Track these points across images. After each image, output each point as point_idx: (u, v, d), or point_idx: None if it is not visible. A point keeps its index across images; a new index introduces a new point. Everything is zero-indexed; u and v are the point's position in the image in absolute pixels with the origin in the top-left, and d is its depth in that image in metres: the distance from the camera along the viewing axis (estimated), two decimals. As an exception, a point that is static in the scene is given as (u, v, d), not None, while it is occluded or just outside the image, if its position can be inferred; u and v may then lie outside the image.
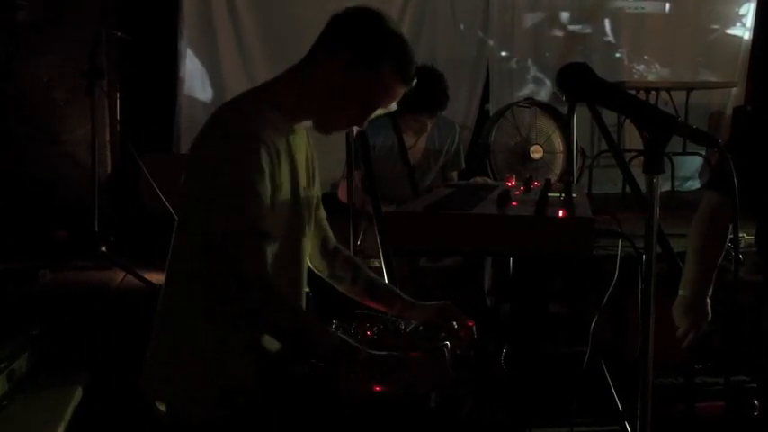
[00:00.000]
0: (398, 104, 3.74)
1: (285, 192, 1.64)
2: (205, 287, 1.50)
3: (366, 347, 1.55)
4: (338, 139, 3.12)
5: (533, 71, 5.80)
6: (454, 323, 1.82)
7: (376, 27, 1.63)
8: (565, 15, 5.80)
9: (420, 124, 3.61)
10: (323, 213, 1.96)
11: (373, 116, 1.72)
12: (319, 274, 1.98)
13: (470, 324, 1.85)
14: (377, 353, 1.53)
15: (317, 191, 1.88)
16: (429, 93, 3.49)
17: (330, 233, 1.98)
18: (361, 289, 1.94)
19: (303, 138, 1.76)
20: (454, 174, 3.82)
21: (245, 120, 1.57)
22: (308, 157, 1.81)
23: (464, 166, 3.88)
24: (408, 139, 3.68)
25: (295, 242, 1.73)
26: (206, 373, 1.62)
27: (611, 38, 5.87)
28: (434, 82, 3.51)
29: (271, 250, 1.55)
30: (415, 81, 1.68)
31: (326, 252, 1.97)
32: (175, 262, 1.66)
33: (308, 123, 1.74)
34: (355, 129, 1.84)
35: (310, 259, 1.95)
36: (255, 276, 1.49)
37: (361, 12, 1.66)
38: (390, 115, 3.74)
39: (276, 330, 1.57)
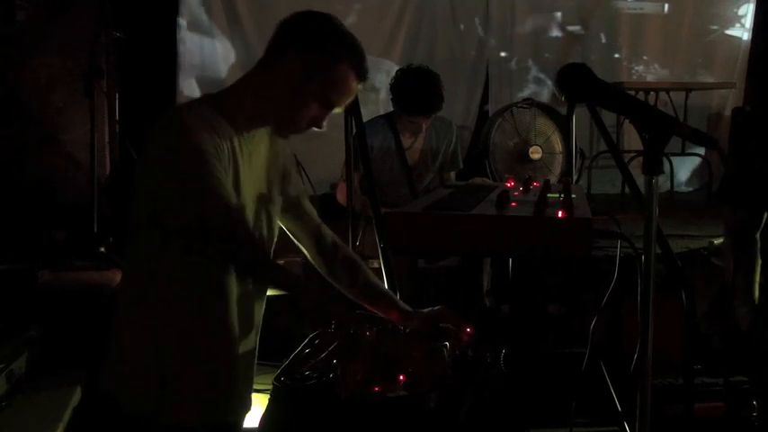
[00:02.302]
0: (394, 106, 3.77)
1: (240, 199, 1.65)
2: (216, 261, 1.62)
3: (357, 352, 1.57)
4: (337, 142, 3.13)
5: (533, 72, 5.80)
6: (450, 326, 1.82)
7: (326, 27, 1.67)
8: (564, 16, 5.81)
9: (416, 125, 3.61)
10: (311, 211, 1.95)
11: (333, 113, 1.73)
12: (320, 271, 1.97)
13: (469, 330, 1.85)
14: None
15: (295, 191, 1.89)
16: (424, 94, 3.50)
17: (325, 229, 1.96)
18: (359, 292, 1.92)
19: (263, 143, 1.76)
20: (452, 174, 3.82)
21: (187, 117, 1.60)
22: (274, 163, 1.81)
23: (462, 166, 3.88)
24: (405, 140, 3.68)
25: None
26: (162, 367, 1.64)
27: (610, 39, 5.87)
28: (429, 83, 3.52)
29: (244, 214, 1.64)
30: (367, 75, 1.70)
31: (323, 249, 1.94)
32: (138, 260, 1.70)
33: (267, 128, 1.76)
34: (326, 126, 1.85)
35: (309, 257, 1.95)
36: (245, 240, 1.59)
37: (309, 14, 1.70)
38: (387, 116, 3.75)
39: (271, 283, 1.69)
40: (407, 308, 1.89)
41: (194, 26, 5.20)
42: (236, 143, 1.65)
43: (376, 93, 5.12)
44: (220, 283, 1.65)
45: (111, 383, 1.70)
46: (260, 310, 1.79)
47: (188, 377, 1.65)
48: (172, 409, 1.64)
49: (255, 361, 1.81)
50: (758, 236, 2.31)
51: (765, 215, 2.27)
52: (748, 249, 2.28)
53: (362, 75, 1.68)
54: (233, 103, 1.67)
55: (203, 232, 1.56)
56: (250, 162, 1.70)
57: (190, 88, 5.20)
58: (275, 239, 1.85)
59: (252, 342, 1.76)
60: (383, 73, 5.01)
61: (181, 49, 5.14)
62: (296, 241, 1.95)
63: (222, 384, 1.70)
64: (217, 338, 1.68)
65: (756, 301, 2.34)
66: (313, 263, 1.96)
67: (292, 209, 1.90)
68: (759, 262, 2.33)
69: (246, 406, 1.79)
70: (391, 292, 1.98)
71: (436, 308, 1.87)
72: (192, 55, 5.22)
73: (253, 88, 1.68)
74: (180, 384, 1.64)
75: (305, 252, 1.96)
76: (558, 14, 5.80)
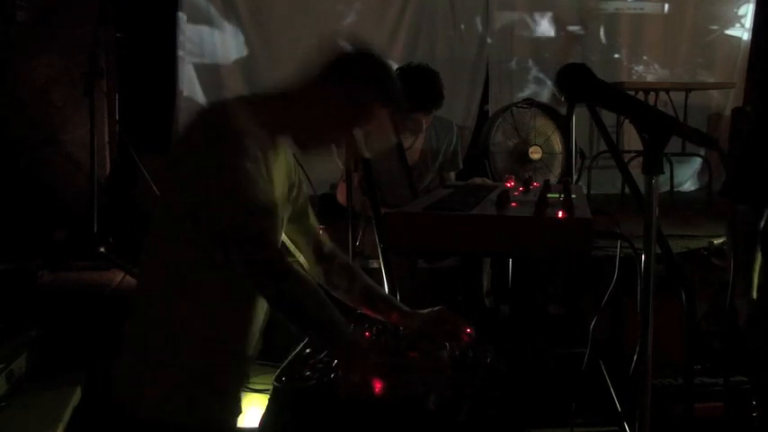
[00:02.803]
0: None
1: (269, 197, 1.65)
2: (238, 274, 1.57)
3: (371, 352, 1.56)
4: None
5: (533, 72, 5.80)
6: (450, 327, 1.82)
7: (374, 65, 1.76)
8: (564, 16, 5.80)
9: (416, 123, 3.61)
10: (313, 220, 1.98)
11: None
12: (317, 279, 1.98)
13: (469, 331, 1.86)
14: (382, 360, 1.54)
15: (302, 202, 1.92)
16: (424, 91, 3.50)
17: (324, 237, 1.99)
18: (357, 297, 1.94)
19: (283, 155, 1.78)
20: (452, 174, 3.81)
21: (236, 122, 1.60)
22: (288, 175, 1.84)
23: (462, 166, 3.87)
24: (405, 140, 3.68)
25: None
26: (184, 375, 1.63)
27: (610, 39, 5.87)
28: (429, 80, 3.52)
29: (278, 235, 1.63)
30: (403, 107, 1.80)
31: (321, 258, 1.97)
32: (158, 264, 1.68)
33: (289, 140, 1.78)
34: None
35: (307, 264, 1.97)
36: (275, 262, 1.55)
37: (362, 51, 1.78)
38: (387, 116, 3.74)
39: (300, 315, 1.59)
40: (407, 309, 1.89)
41: (194, 26, 5.20)
42: (269, 155, 1.67)
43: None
44: (240, 290, 1.65)
45: (126, 391, 1.67)
46: (263, 313, 1.80)
47: (207, 383, 1.65)
48: (191, 413, 1.64)
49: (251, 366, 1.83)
50: (759, 231, 2.32)
51: (766, 211, 2.27)
52: (749, 244, 2.28)
53: (395, 111, 1.78)
54: (270, 118, 1.69)
55: (235, 241, 1.53)
56: (277, 172, 1.72)
57: (190, 88, 5.20)
58: None
59: (255, 344, 1.77)
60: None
61: (181, 49, 5.14)
62: (295, 249, 1.97)
63: (234, 388, 1.72)
64: (235, 345, 1.68)
65: (754, 298, 2.34)
66: (310, 270, 1.98)
67: (298, 219, 1.93)
68: (759, 258, 2.33)
69: (239, 409, 1.80)
70: (390, 295, 1.98)
71: (436, 308, 1.87)
72: (192, 55, 5.22)
73: (292, 110, 1.72)
74: (199, 389, 1.64)
75: (303, 260, 1.98)
76: (558, 14, 5.80)
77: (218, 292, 1.62)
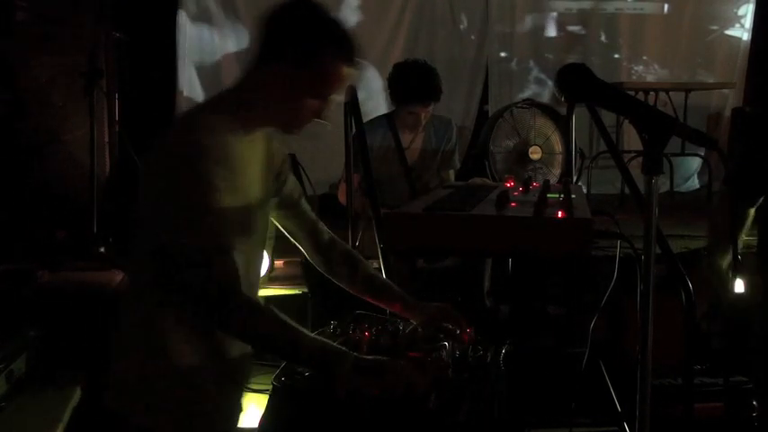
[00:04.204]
0: (392, 98, 3.76)
1: (240, 200, 1.62)
2: (180, 296, 1.54)
3: (356, 352, 1.55)
4: (337, 142, 3.13)
5: (532, 72, 5.81)
6: (451, 326, 1.82)
7: (308, 18, 1.63)
8: (564, 16, 5.81)
9: (414, 117, 3.60)
10: (307, 208, 1.94)
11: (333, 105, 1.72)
12: (319, 269, 1.97)
13: (469, 330, 1.85)
14: (366, 358, 1.53)
15: (290, 190, 1.88)
16: (421, 83, 3.51)
17: (322, 226, 1.96)
18: (360, 286, 1.92)
19: (260, 144, 1.74)
20: (451, 173, 3.81)
21: (195, 133, 1.57)
22: (272, 164, 1.80)
23: (458, 166, 3.87)
24: (405, 139, 3.68)
25: (250, 251, 1.70)
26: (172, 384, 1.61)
27: (610, 39, 5.87)
28: (426, 75, 3.53)
29: (232, 261, 1.55)
30: (358, 60, 1.67)
31: (321, 246, 1.94)
32: (142, 273, 1.66)
33: (272, 131, 1.74)
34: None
35: (307, 255, 1.95)
36: (227, 289, 1.51)
37: (290, 7, 1.65)
38: (387, 116, 3.75)
39: (254, 341, 1.58)
40: (411, 299, 1.89)
41: (194, 26, 5.20)
42: (244, 146, 1.64)
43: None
44: None
45: (116, 398, 1.66)
46: None
47: (196, 394, 1.63)
48: (182, 425, 1.62)
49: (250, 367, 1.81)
50: (752, 211, 2.31)
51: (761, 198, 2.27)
52: (739, 216, 2.28)
53: (352, 59, 1.65)
54: (242, 108, 1.65)
55: (178, 258, 1.50)
56: (250, 163, 1.69)
57: (190, 88, 5.20)
58: (272, 240, 1.84)
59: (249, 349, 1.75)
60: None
61: (180, 49, 5.14)
62: (293, 240, 1.95)
63: (229, 397, 1.70)
64: (222, 356, 1.65)
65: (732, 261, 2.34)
66: (312, 261, 1.96)
67: (289, 208, 1.89)
68: (747, 225, 2.33)
69: (240, 410, 1.79)
70: (393, 284, 1.97)
71: (441, 304, 1.87)
72: (192, 55, 5.22)
73: (253, 90, 1.66)
74: (189, 401, 1.62)
75: (303, 251, 1.95)
76: (558, 14, 5.80)
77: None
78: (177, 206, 1.52)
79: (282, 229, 1.92)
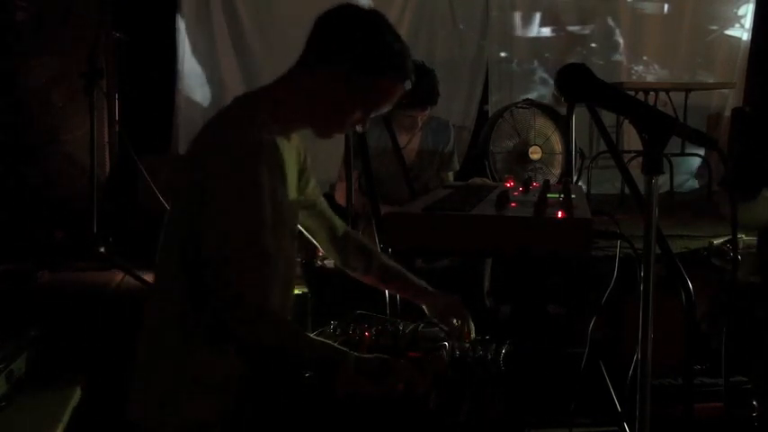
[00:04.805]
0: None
1: (282, 202, 1.63)
2: (200, 296, 1.52)
3: (356, 352, 1.55)
4: (337, 141, 3.13)
5: (532, 72, 5.80)
6: (455, 321, 1.83)
7: (373, 33, 1.62)
8: (564, 16, 5.80)
9: (411, 120, 3.60)
10: (324, 204, 1.97)
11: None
12: (335, 261, 1.99)
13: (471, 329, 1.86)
14: (367, 357, 1.53)
15: (312, 189, 1.90)
16: (419, 87, 3.50)
17: (337, 221, 1.99)
18: (375, 277, 1.97)
19: (295, 144, 1.76)
20: (450, 175, 3.80)
21: (245, 132, 1.56)
22: (300, 163, 1.82)
23: (458, 167, 3.86)
24: (401, 140, 3.68)
25: (287, 247, 1.71)
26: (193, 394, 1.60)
27: (610, 39, 5.87)
28: (424, 76, 3.52)
29: (268, 269, 1.54)
30: (412, 78, 1.69)
31: (336, 240, 1.98)
32: (171, 285, 1.64)
33: (304, 130, 1.74)
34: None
35: (322, 249, 1.98)
36: (246, 295, 1.50)
37: (353, 15, 1.64)
38: (382, 115, 3.73)
39: (260, 349, 1.56)
40: (424, 285, 1.93)
41: (194, 26, 5.20)
42: (283, 146, 1.65)
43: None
44: None
45: (140, 412, 1.64)
46: None
47: (216, 406, 1.62)
48: None
49: None
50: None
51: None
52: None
53: (408, 80, 1.67)
54: (281, 107, 1.65)
55: (218, 265, 1.49)
56: (291, 164, 1.70)
57: (189, 88, 5.20)
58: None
59: None
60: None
61: (180, 48, 5.14)
62: (309, 235, 1.97)
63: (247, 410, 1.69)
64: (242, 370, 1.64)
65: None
66: (327, 254, 2.00)
67: (310, 206, 1.92)
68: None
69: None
70: (406, 271, 1.99)
71: (451, 297, 1.90)
72: (191, 55, 5.22)
73: (299, 93, 1.65)
74: (214, 421, 1.61)
75: (318, 245, 1.98)
76: (558, 15, 5.80)
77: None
78: (228, 207, 1.50)
79: (300, 227, 1.92)
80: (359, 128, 1.71)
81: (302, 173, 1.85)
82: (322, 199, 1.96)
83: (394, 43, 1.63)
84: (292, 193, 1.72)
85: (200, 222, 1.53)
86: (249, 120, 1.59)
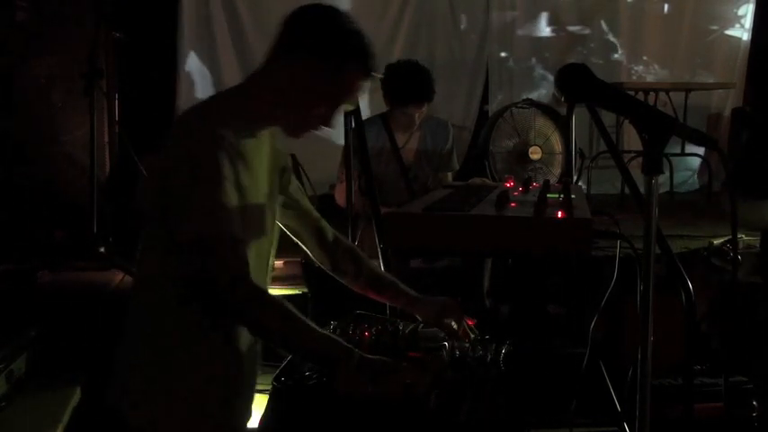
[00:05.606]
0: (386, 99, 3.77)
1: (248, 198, 1.62)
2: (185, 285, 1.53)
3: (361, 350, 1.55)
4: (337, 142, 3.14)
5: (532, 72, 5.80)
6: (453, 323, 1.83)
7: (333, 27, 1.64)
8: (564, 16, 5.80)
9: (408, 118, 3.60)
10: (309, 206, 1.95)
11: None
12: (323, 267, 1.97)
13: (471, 323, 1.86)
14: (371, 357, 1.53)
15: (295, 189, 1.89)
16: (415, 84, 3.51)
17: (325, 224, 1.97)
18: (365, 283, 1.94)
19: (267, 141, 1.75)
20: (449, 175, 3.80)
21: (209, 123, 1.57)
22: (274, 165, 1.80)
23: (457, 168, 3.86)
24: (399, 139, 3.68)
25: (259, 249, 1.71)
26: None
27: (610, 39, 5.87)
28: (419, 75, 3.53)
29: (244, 250, 1.54)
30: (374, 71, 1.68)
31: (325, 245, 1.95)
32: (150, 271, 1.66)
33: (275, 129, 1.74)
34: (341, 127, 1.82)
35: (312, 254, 1.95)
36: (237, 276, 1.50)
37: (315, 11, 1.66)
38: (382, 116, 3.74)
39: (263, 331, 1.56)
40: (414, 294, 1.90)
41: (194, 25, 5.20)
42: (250, 145, 1.64)
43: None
44: None
45: (120, 397, 1.65)
46: None
47: (200, 395, 1.63)
48: (181, 426, 1.62)
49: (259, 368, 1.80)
50: None
51: None
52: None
53: (369, 74, 1.67)
54: (251, 105, 1.65)
55: (197, 251, 1.49)
56: (259, 161, 1.69)
57: (190, 88, 5.20)
58: (276, 241, 1.84)
59: (256, 351, 1.75)
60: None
61: (180, 49, 5.14)
62: (297, 239, 1.96)
63: (232, 400, 1.69)
64: (228, 355, 1.65)
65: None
66: (315, 259, 1.97)
67: (293, 206, 1.90)
68: None
69: (250, 413, 1.78)
70: (396, 280, 1.97)
71: (445, 299, 1.88)
72: (191, 55, 5.22)
73: (265, 89, 1.66)
74: (191, 401, 1.62)
75: (306, 249, 1.96)
76: (558, 14, 5.80)
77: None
78: (191, 195, 1.51)
79: (286, 229, 1.92)
80: (328, 127, 1.70)
81: (283, 171, 1.84)
82: (306, 200, 1.94)
83: (355, 35, 1.65)
84: (263, 187, 1.70)
85: (172, 212, 1.54)
86: (210, 114, 1.61)
